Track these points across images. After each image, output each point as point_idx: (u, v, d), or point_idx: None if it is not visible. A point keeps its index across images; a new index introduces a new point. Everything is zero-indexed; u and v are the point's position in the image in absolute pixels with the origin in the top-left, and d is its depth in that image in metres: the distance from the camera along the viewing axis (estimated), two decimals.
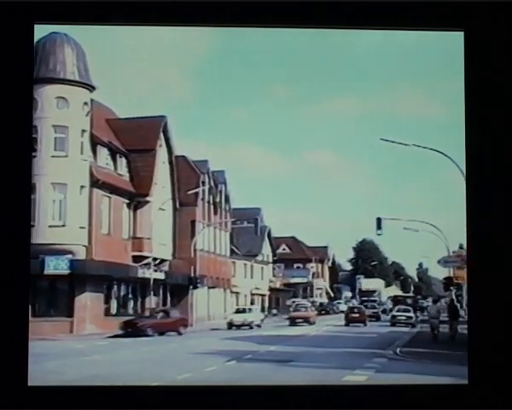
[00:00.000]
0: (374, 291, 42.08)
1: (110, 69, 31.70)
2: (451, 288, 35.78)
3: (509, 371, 6.69)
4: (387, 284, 44.10)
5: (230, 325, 33.54)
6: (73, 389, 7.10)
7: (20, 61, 6.77)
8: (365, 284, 43.05)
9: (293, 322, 35.46)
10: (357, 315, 35.91)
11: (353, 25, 7.11)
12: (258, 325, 34.43)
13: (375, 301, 39.80)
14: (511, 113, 6.86)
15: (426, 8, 6.91)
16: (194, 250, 35.18)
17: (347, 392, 7.21)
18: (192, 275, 34.58)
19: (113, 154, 33.00)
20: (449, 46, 7.77)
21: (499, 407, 6.70)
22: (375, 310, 37.98)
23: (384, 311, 38.59)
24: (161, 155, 34.43)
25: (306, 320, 35.66)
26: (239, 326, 33.37)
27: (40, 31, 6.87)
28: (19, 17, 6.76)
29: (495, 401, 6.71)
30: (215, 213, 37.63)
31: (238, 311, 35.50)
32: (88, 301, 29.86)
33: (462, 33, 6.97)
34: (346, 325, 34.99)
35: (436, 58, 24.89)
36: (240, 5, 6.95)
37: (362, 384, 7.53)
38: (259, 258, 40.18)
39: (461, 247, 33.14)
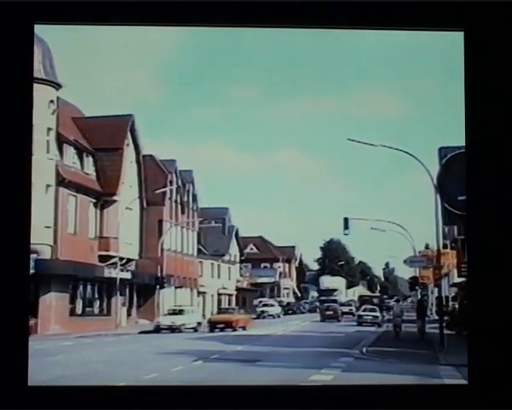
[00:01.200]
0: (334, 290, 42.11)
1: (77, 67, 31.44)
2: (417, 288, 36.13)
3: (509, 371, 6.68)
4: (353, 284, 44.31)
5: (158, 328, 31.58)
6: (73, 389, 7.05)
7: (19, 61, 6.75)
8: (326, 282, 43.11)
9: (213, 328, 32.47)
10: (331, 312, 37.49)
11: (352, 25, 7.07)
12: (194, 329, 32.29)
13: (335, 301, 40.03)
14: (511, 113, 6.88)
15: (426, 8, 6.88)
16: (162, 250, 35.06)
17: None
18: (159, 275, 34.45)
19: (80, 152, 32.76)
20: (449, 46, 7.81)
21: (499, 407, 6.68)
22: (351, 307, 38.81)
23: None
24: (128, 154, 34.26)
25: (229, 326, 32.56)
26: (173, 330, 31.21)
27: (40, 31, 6.89)
28: (19, 17, 6.74)
29: (495, 401, 6.69)
30: (182, 212, 37.54)
31: (169, 312, 33.12)
32: (53, 301, 29.59)
33: (462, 33, 6.96)
34: (322, 321, 36.60)
35: (435, 58, 24.99)
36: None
37: (359, 384, 7.47)
38: (227, 258, 40.15)
39: (427, 247, 33.48)
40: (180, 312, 33.07)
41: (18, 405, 6.60)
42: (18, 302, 6.65)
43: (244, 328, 32.90)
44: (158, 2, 6.91)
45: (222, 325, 32.48)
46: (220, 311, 36.01)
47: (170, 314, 32.84)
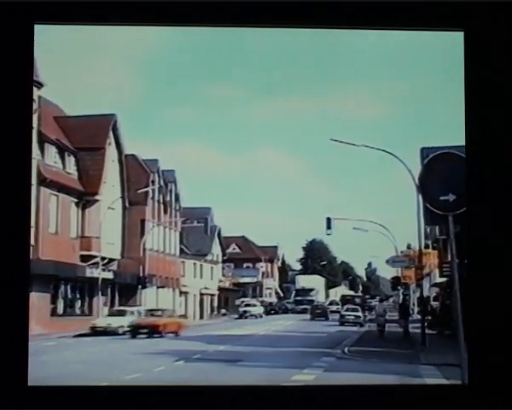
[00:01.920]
0: (311, 290, 42.08)
1: (59, 66, 31.27)
2: (399, 287, 36.28)
3: (509, 371, 6.70)
4: (335, 284, 44.42)
5: (93, 331, 29.50)
6: (73, 389, 7.05)
7: (19, 61, 6.72)
8: (302, 281, 43.10)
9: (135, 333, 28.96)
10: (319, 311, 38.29)
11: (352, 25, 7.07)
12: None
13: (311, 301, 40.13)
14: (511, 113, 6.89)
15: (426, 8, 6.89)
16: (144, 249, 34.96)
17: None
18: (141, 275, 34.35)
19: (62, 152, 32.61)
20: (449, 46, 7.82)
21: (499, 407, 6.70)
22: (338, 307, 39.21)
23: None
24: (110, 153, 34.14)
25: (155, 331, 29.02)
26: (108, 333, 29.06)
27: (40, 31, 6.87)
28: (19, 17, 6.74)
29: (495, 401, 6.71)
30: (165, 212, 37.47)
31: (108, 314, 31.53)
32: (34, 302, 29.38)
33: (462, 33, 6.97)
34: (312, 319, 37.25)
35: (435, 58, 25.02)
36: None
37: (359, 384, 7.47)
38: (209, 257, 40.11)
39: (409, 247, 33.62)
40: (120, 313, 31.28)
41: (18, 405, 6.59)
42: (18, 302, 6.64)
43: (176, 333, 29.85)
44: (157, 2, 6.90)
45: (146, 330, 29.13)
46: (147, 313, 31.71)
47: (108, 316, 31.47)
